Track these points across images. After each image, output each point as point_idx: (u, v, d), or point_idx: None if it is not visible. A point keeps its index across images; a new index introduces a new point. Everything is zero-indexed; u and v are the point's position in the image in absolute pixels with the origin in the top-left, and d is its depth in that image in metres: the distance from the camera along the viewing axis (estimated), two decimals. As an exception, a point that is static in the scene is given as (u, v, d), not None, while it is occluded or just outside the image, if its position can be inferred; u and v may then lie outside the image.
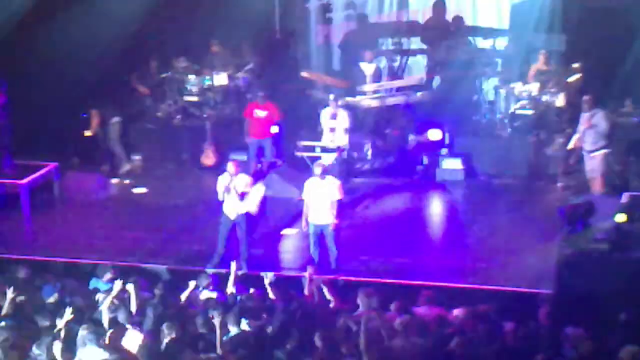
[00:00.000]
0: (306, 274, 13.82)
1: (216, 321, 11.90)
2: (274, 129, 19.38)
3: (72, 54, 20.00)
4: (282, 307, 12.61)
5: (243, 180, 15.16)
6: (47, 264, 15.46)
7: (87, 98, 20.55)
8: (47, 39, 20.17)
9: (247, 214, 15.37)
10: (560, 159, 18.34)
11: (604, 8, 19.63)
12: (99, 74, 20.16)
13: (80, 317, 12.19)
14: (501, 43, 21.40)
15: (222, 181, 15.19)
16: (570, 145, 17.94)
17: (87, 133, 20.20)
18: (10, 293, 12.67)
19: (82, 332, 11.45)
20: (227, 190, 15.08)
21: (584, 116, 17.21)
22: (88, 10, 20.45)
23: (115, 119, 20.20)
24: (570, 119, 19.31)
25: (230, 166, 15.18)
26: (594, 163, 17.11)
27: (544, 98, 19.49)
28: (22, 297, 12.98)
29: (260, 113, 19.22)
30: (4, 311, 12.62)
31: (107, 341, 11.59)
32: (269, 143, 19.37)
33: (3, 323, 12.14)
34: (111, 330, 11.94)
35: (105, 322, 12.28)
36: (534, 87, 19.75)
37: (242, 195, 15.08)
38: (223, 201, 15.21)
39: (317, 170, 15.01)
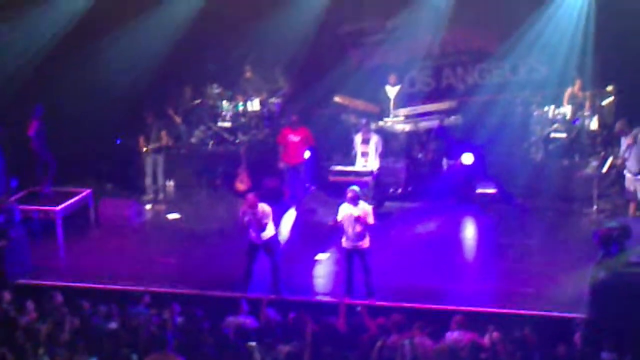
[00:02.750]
0: (340, 300, 13.80)
1: (252, 348, 11.92)
2: (307, 154, 19.44)
3: (106, 80, 20.23)
4: (316, 333, 12.60)
5: (263, 211, 15.18)
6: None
7: (121, 125, 20.70)
8: (83, 66, 20.41)
9: (274, 239, 15.40)
10: (594, 182, 18.22)
11: (638, 31, 19.52)
12: (133, 101, 20.34)
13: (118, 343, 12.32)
14: (534, 66, 21.33)
15: (243, 213, 15.23)
16: (605, 169, 17.86)
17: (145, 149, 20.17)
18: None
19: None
20: (249, 223, 15.12)
21: (628, 136, 17.10)
22: (123, 38, 20.66)
23: (156, 145, 20.20)
24: (603, 141, 19.26)
25: (249, 199, 15.18)
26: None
27: (578, 121, 19.42)
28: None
29: (294, 138, 19.27)
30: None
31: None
32: (303, 168, 19.41)
33: (41, 350, 12.29)
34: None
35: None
36: (567, 110, 19.71)
37: (264, 226, 15.09)
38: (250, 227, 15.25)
39: (350, 194, 14.99)
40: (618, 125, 17.35)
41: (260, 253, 15.32)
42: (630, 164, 17.04)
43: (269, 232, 15.23)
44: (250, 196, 15.22)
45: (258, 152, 20.76)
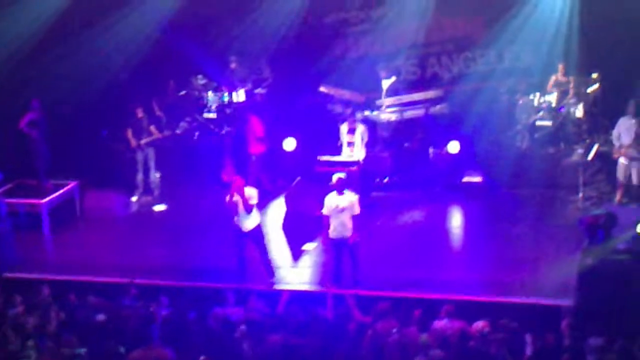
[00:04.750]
0: (326, 289, 13.82)
1: (242, 337, 11.94)
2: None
3: (90, 73, 20.17)
4: (303, 323, 12.61)
5: (249, 194, 15.18)
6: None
7: (106, 116, 20.65)
8: (66, 60, 20.36)
9: (259, 228, 15.41)
10: (580, 170, 18.25)
11: (622, 18, 19.55)
12: (118, 92, 20.30)
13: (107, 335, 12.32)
14: (519, 54, 21.35)
15: (230, 196, 15.25)
16: (591, 156, 17.90)
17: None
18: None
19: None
20: (235, 205, 15.12)
21: (631, 122, 17.16)
22: (107, 31, 20.61)
23: (147, 138, 20.11)
24: (589, 129, 19.31)
25: (236, 180, 15.25)
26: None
27: (563, 109, 19.45)
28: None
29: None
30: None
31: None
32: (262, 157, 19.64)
33: (31, 342, 12.28)
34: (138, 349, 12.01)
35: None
36: (553, 98, 19.74)
37: (250, 209, 15.10)
38: (236, 214, 15.25)
39: (336, 185, 14.99)
40: (631, 109, 17.36)
41: (247, 241, 15.31)
42: (634, 151, 17.12)
43: (254, 219, 15.24)
44: (237, 178, 15.26)
45: (244, 143, 20.68)
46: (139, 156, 19.84)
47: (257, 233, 15.42)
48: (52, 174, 19.07)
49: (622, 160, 17.33)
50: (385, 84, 20.18)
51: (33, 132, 18.68)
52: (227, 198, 15.25)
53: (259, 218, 15.46)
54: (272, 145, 19.97)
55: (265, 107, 21.41)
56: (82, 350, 12.11)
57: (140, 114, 19.79)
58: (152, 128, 19.92)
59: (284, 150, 19.99)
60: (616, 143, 17.44)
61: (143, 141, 19.76)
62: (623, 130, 17.38)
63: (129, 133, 19.73)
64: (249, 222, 15.23)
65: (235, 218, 15.23)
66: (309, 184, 18.48)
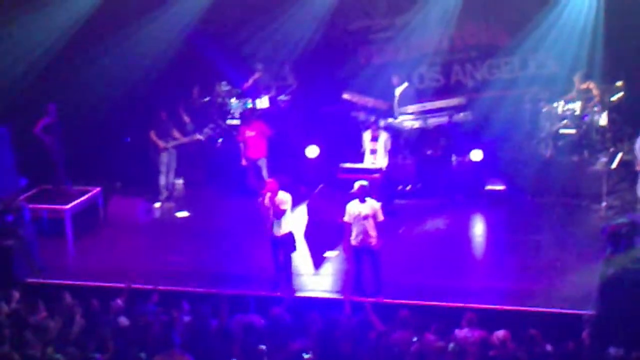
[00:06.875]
0: (346, 297, 13.83)
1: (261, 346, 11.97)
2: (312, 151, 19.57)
3: (115, 79, 20.25)
4: (324, 331, 12.62)
5: (281, 198, 15.21)
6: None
7: (130, 122, 20.74)
8: (92, 65, 20.47)
9: (291, 235, 15.44)
10: (604, 178, 18.17)
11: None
12: (143, 98, 20.38)
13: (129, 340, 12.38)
14: (544, 61, 21.28)
15: (265, 199, 15.28)
16: (614, 164, 17.81)
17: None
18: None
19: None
20: (267, 208, 15.15)
21: None
22: (132, 37, 20.69)
23: (171, 143, 20.18)
24: (613, 137, 19.21)
25: (270, 183, 15.29)
26: None
27: (587, 117, 19.38)
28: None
29: (250, 133, 19.62)
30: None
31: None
32: (264, 162, 19.68)
33: (50, 349, 12.34)
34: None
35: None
36: (576, 106, 19.65)
37: (282, 213, 15.13)
38: (267, 218, 15.31)
39: (358, 192, 14.99)
40: None
41: (277, 247, 15.38)
42: None
43: (287, 225, 15.27)
44: (271, 181, 15.33)
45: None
46: (164, 158, 19.90)
47: (288, 240, 15.41)
48: (76, 180, 19.14)
49: None
50: (398, 91, 20.19)
51: (47, 138, 18.73)
52: (260, 200, 15.29)
53: (290, 225, 15.48)
54: (295, 152, 20.02)
55: (288, 114, 21.44)
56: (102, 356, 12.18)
57: (164, 117, 19.89)
58: (175, 132, 20.00)
59: (307, 157, 20.01)
60: (639, 155, 17.30)
61: (170, 144, 19.83)
62: None
63: (153, 135, 19.80)
64: (279, 228, 15.26)
65: (269, 221, 15.27)
66: (331, 191, 18.49)
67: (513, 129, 20.20)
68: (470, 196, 19.16)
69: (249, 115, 20.09)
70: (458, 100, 20.58)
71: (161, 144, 19.75)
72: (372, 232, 14.92)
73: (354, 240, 15.03)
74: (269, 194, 15.18)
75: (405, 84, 20.37)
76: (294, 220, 15.89)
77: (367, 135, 19.12)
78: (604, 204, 17.94)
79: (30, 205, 17.47)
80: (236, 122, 21.26)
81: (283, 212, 15.16)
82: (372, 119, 19.29)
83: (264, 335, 12.74)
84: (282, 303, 14.17)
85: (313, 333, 12.71)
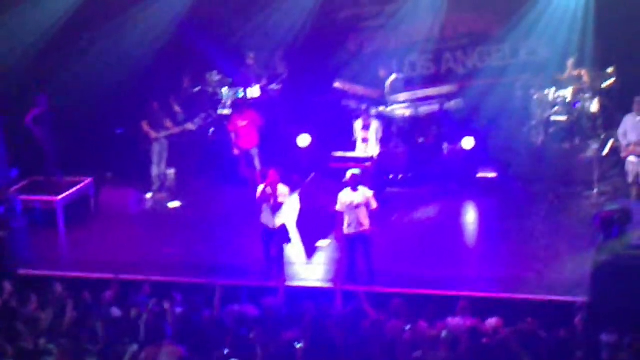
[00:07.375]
0: (341, 286, 13.81)
1: (253, 336, 11.95)
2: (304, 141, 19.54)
3: (106, 69, 20.20)
4: (316, 320, 12.60)
5: (282, 190, 15.18)
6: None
7: (122, 113, 20.67)
8: (83, 55, 20.42)
9: (286, 227, 15.43)
10: (595, 165, 18.17)
11: (639, 12, 19.44)
12: (134, 88, 20.32)
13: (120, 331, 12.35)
14: (535, 48, 21.26)
15: (261, 190, 15.24)
16: (606, 151, 17.81)
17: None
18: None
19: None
20: (267, 199, 15.12)
21: (637, 120, 17.05)
22: (121, 27, 20.63)
23: (163, 133, 20.12)
24: (604, 124, 19.22)
25: (271, 174, 15.24)
26: None
27: (578, 104, 19.37)
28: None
29: (241, 123, 19.49)
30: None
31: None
32: (256, 151, 19.59)
33: (42, 340, 12.30)
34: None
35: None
36: (568, 93, 19.65)
37: (280, 205, 15.10)
38: (261, 212, 15.25)
39: (350, 181, 14.97)
40: (636, 106, 17.24)
41: (272, 239, 15.33)
42: None
43: (283, 217, 15.25)
44: (272, 172, 15.28)
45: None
46: (155, 148, 19.85)
47: (282, 232, 15.40)
48: (67, 170, 19.08)
49: (631, 159, 17.18)
50: (387, 82, 20.15)
51: (37, 128, 18.67)
52: (260, 189, 15.27)
53: (285, 217, 15.46)
54: (286, 141, 20.00)
55: (279, 102, 21.40)
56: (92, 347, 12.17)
57: (156, 107, 19.84)
58: (168, 122, 19.96)
59: (299, 146, 19.98)
60: (623, 141, 17.30)
61: (162, 134, 19.78)
62: (629, 127, 17.26)
63: (145, 125, 19.74)
64: (276, 219, 15.24)
65: (263, 213, 15.23)
66: (323, 180, 18.47)
67: (504, 117, 20.21)
68: (462, 184, 19.13)
69: (240, 105, 20.03)
70: (449, 88, 20.59)
71: (153, 134, 19.70)
72: (365, 221, 14.91)
73: (346, 229, 15.03)
74: (269, 186, 15.14)
75: (394, 76, 20.32)
76: (288, 212, 15.87)
77: (358, 124, 19.10)
78: (595, 190, 17.92)
79: (22, 197, 17.43)
80: (227, 111, 21.19)
81: (281, 204, 15.15)
82: (364, 107, 19.27)
83: (257, 325, 12.71)
84: (275, 293, 14.14)
85: (306, 322, 12.68)
